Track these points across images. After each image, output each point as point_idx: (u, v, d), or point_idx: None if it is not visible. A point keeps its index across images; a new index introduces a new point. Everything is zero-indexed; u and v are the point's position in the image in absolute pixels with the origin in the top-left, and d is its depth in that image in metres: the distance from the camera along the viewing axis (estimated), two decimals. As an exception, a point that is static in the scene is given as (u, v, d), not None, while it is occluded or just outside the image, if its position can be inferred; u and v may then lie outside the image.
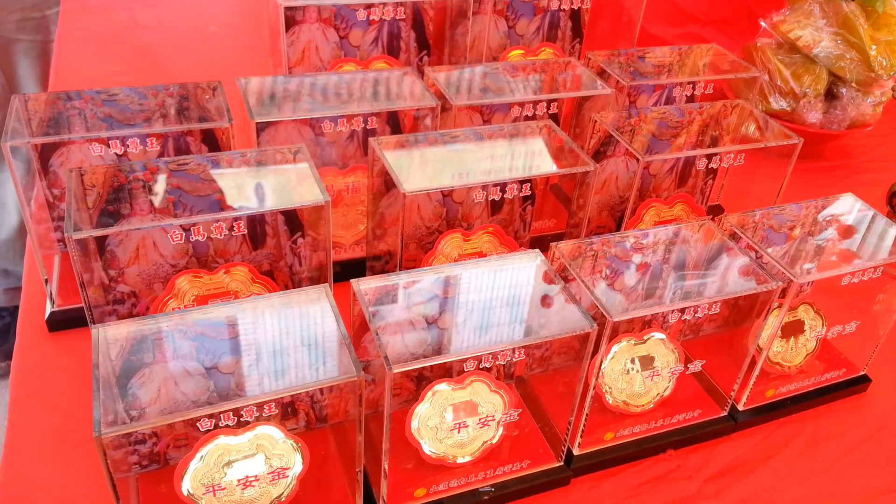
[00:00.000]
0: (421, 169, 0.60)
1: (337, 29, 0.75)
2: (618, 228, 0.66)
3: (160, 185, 0.51)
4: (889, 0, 0.90)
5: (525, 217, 0.63)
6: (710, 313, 0.49)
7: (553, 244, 0.51)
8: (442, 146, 0.61)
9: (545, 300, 0.49)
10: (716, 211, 0.77)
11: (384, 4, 0.75)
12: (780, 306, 0.52)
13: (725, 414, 0.55)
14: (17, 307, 0.59)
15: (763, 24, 0.93)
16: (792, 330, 0.57)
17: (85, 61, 0.94)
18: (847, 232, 0.58)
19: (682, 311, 0.48)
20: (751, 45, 0.93)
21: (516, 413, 0.47)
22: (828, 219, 0.59)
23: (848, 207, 0.60)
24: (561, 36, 0.86)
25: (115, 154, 0.55)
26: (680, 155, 0.64)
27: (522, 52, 0.85)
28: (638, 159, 0.59)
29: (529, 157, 0.64)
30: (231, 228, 0.48)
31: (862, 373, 0.60)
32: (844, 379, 0.60)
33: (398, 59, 0.79)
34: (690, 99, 0.76)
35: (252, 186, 0.53)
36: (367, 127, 0.62)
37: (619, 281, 0.53)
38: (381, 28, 0.77)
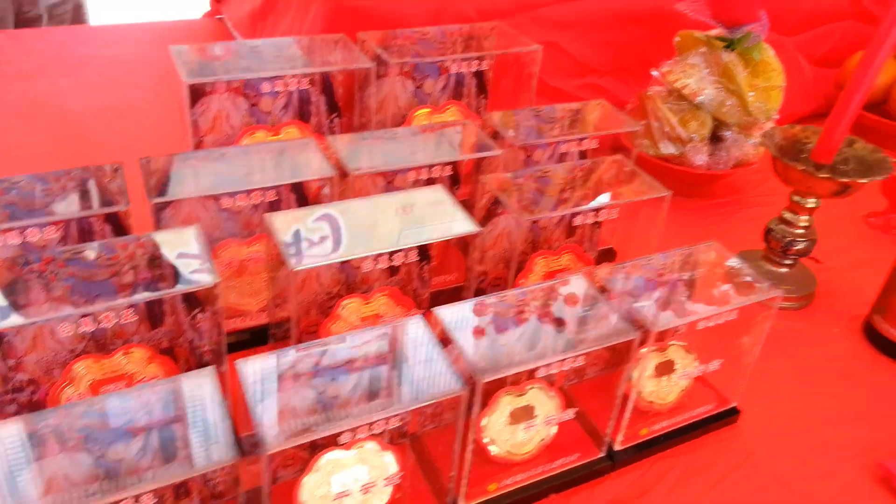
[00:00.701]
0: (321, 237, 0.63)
1: (247, 97, 0.79)
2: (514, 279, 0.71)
3: (55, 276, 0.53)
4: (765, 49, 0.99)
5: (423, 275, 0.67)
6: (575, 366, 0.53)
7: (433, 310, 0.55)
8: (339, 216, 0.65)
9: (426, 364, 0.53)
10: (607, 255, 0.83)
11: (293, 76, 0.79)
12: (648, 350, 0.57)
13: (603, 455, 0.59)
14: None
15: (654, 73, 1.01)
16: (664, 369, 0.62)
17: (1, 131, 0.96)
18: (709, 278, 0.64)
19: (549, 365, 0.53)
20: (643, 93, 1.01)
21: (399, 476, 0.51)
22: (692, 266, 0.65)
23: (711, 254, 0.66)
24: (467, 93, 0.92)
25: (14, 244, 0.57)
26: (555, 214, 0.69)
27: (429, 110, 0.90)
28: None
29: (426, 221, 0.68)
30: (119, 317, 0.51)
31: (732, 405, 0.66)
32: (715, 412, 0.65)
33: (309, 124, 0.83)
34: (582, 154, 0.82)
35: (147, 270, 0.56)
36: (268, 200, 0.66)
37: (500, 339, 0.58)
38: (290, 95, 0.81)
